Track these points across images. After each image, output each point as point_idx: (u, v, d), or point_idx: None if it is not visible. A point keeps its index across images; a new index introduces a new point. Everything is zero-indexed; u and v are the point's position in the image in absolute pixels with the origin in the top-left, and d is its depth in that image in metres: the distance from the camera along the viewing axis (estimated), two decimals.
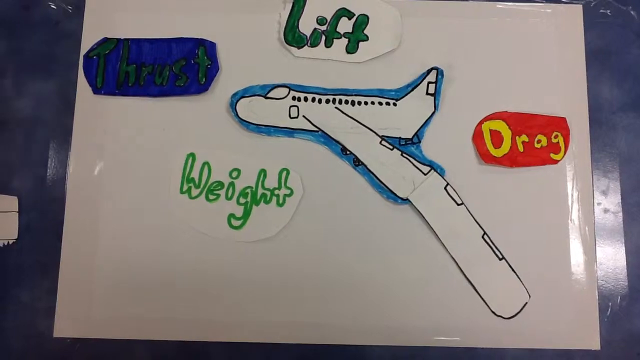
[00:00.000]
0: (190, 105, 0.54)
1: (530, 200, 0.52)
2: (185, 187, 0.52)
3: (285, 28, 0.54)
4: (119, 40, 0.54)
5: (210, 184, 0.53)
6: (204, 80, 0.53)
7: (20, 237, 0.52)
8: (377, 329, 0.50)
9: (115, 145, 0.53)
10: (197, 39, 0.54)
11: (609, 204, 0.53)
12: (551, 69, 0.54)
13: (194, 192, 0.52)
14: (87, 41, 0.55)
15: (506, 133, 0.53)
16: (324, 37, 0.55)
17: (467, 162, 0.53)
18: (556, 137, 0.53)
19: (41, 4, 0.56)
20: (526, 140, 0.53)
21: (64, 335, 0.50)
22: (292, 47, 0.54)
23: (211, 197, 0.52)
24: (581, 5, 0.56)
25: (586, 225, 0.52)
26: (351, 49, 0.54)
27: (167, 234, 0.52)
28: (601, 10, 0.56)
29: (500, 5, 0.56)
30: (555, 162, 0.53)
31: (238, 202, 0.52)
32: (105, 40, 0.54)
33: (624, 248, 0.52)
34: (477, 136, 0.53)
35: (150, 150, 0.53)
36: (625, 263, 0.51)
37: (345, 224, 0.52)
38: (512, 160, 0.52)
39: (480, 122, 0.53)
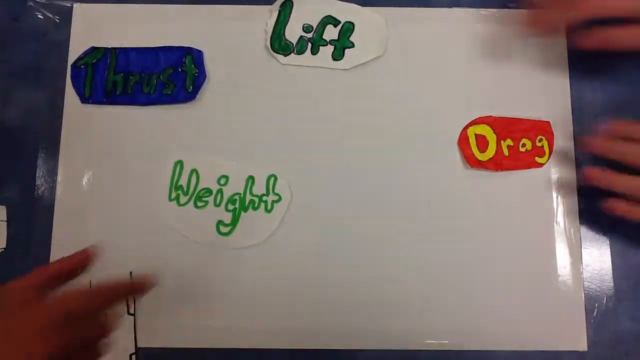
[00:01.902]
0: (177, 112, 0.54)
1: (515, 204, 0.53)
2: (173, 195, 0.53)
3: (271, 36, 0.55)
4: (106, 49, 0.55)
5: (199, 191, 0.53)
6: (191, 88, 0.54)
7: (9, 246, 0.52)
8: (366, 333, 0.51)
9: (103, 153, 0.53)
10: (184, 47, 0.55)
11: (593, 205, 0.53)
12: (534, 74, 0.55)
13: (183, 199, 0.53)
14: (75, 51, 0.55)
15: (491, 137, 0.53)
16: (310, 45, 0.55)
17: (453, 166, 0.53)
18: (540, 140, 0.53)
19: (30, 15, 0.56)
20: (511, 145, 0.53)
21: None
22: (278, 55, 0.55)
23: (199, 204, 0.53)
24: None
25: (571, 227, 0.52)
26: (337, 55, 0.55)
27: (156, 241, 0.52)
28: None
29: (484, 12, 0.57)
30: (540, 165, 0.53)
31: (226, 209, 0.53)
32: (93, 49, 0.55)
33: (609, 249, 0.52)
34: (463, 141, 0.53)
35: (139, 158, 0.53)
36: (610, 264, 0.52)
37: (333, 229, 0.52)
38: (498, 164, 0.53)
39: (466, 127, 0.54)
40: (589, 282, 0.52)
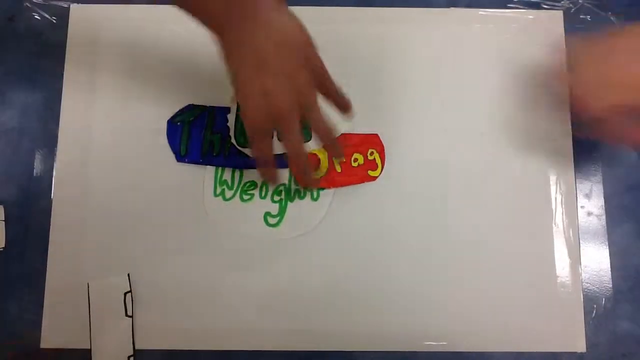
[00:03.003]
0: None
1: (514, 205, 0.53)
2: (218, 190, 0.53)
3: (235, 131, 0.53)
4: (204, 107, 0.54)
5: (244, 184, 0.53)
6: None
7: (7, 247, 0.52)
8: (366, 335, 0.51)
9: (99, 154, 0.53)
10: None
11: (592, 207, 0.53)
12: (533, 74, 0.55)
13: (228, 193, 0.53)
14: (72, 51, 0.55)
15: (323, 155, 0.53)
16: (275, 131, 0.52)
17: (451, 168, 0.53)
18: (372, 154, 0.53)
19: (26, 15, 0.56)
20: (343, 160, 0.53)
21: (51, 345, 0.50)
22: (245, 149, 0.52)
23: (245, 197, 0.53)
24: (562, 12, 0.56)
25: (570, 229, 0.52)
26: (306, 135, 0.51)
27: (153, 243, 0.52)
28: (581, 16, 0.56)
29: (482, 12, 0.57)
30: (373, 178, 0.53)
31: (273, 200, 0.52)
32: (191, 107, 0.54)
33: (607, 250, 0.52)
34: None
35: (141, 157, 0.53)
36: (609, 265, 0.52)
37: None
38: (330, 181, 0.52)
39: None
40: (587, 283, 0.52)
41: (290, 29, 0.41)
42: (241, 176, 0.53)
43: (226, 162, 0.53)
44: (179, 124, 0.53)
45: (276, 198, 0.53)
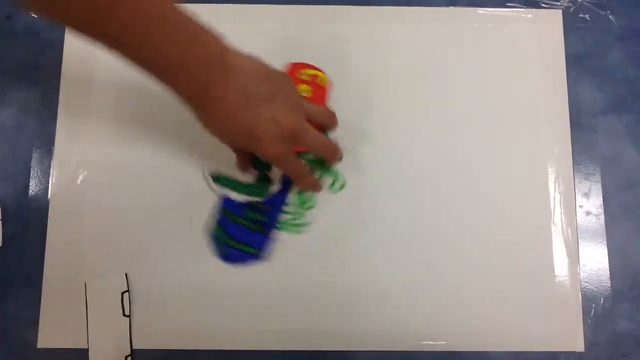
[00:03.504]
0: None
1: (513, 205, 0.52)
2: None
3: (249, 194, 0.52)
4: (215, 217, 0.52)
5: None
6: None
7: (4, 245, 0.52)
8: (364, 334, 0.50)
9: (98, 153, 0.53)
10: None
11: (591, 206, 0.53)
12: (532, 73, 0.55)
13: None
14: (69, 50, 0.55)
15: None
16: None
17: (449, 166, 0.53)
18: (307, 73, 0.52)
19: (23, 13, 0.56)
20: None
21: (48, 345, 0.50)
22: (270, 191, 0.52)
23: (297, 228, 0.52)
24: (561, 11, 0.56)
25: (569, 228, 0.52)
26: None
27: (151, 242, 0.52)
28: (580, 15, 0.56)
29: (481, 11, 0.57)
30: (329, 83, 0.52)
31: (304, 208, 0.53)
32: (217, 225, 0.52)
33: (606, 250, 0.52)
34: None
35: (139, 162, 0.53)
36: (607, 265, 0.52)
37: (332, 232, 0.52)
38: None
39: None
40: (586, 282, 0.52)
41: (256, 64, 0.42)
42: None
43: (276, 211, 0.52)
44: (233, 249, 0.51)
45: (307, 205, 0.52)
